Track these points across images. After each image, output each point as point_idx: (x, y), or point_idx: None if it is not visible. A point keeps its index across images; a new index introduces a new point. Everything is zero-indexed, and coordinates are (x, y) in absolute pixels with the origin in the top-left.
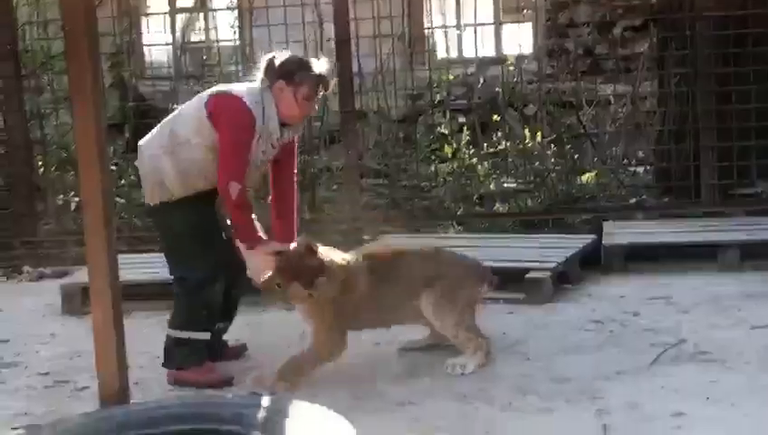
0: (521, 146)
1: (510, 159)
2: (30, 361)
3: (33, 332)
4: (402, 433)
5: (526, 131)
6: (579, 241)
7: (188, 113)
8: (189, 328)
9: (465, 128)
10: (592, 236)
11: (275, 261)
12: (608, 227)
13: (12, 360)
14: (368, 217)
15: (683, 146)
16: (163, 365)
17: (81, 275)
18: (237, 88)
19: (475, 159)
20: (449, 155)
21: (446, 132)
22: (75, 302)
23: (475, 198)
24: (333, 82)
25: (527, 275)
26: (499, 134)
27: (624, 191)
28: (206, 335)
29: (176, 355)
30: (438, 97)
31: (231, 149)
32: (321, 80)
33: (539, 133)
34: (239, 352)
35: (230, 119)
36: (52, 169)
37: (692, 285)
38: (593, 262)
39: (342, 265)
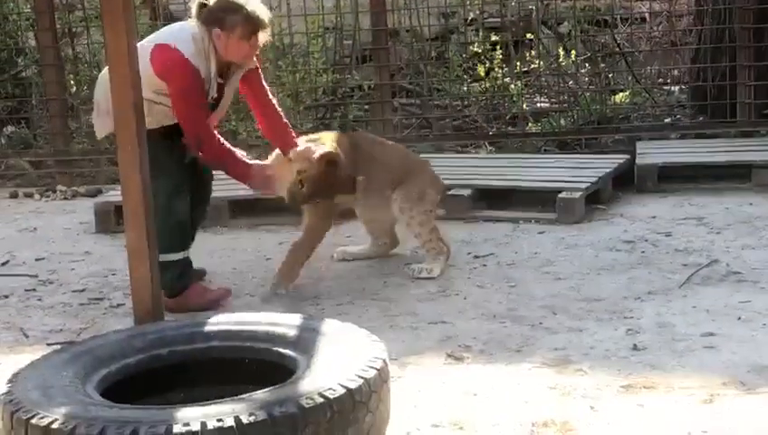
0: (554, 65)
1: (543, 79)
2: (65, 278)
3: (68, 250)
4: (434, 350)
5: (560, 50)
6: (612, 161)
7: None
8: (169, 250)
9: (498, 46)
10: (625, 156)
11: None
12: (641, 146)
13: (47, 277)
14: (400, 136)
15: (719, 65)
16: None
17: (114, 194)
18: (178, 37)
19: (508, 78)
20: (482, 74)
21: (479, 51)
22: (109, 220)
23: (507, 117)
24: (268, 19)
25: (559, 195)
26: (533, 53)
27: (658, 111)
28: (183, 255)
29: (166, 283)
30: (471, 15)
31: (184, 103)
32: (252, 19)
33: (573, 52)
34: (200, 276)
35: (176, 75)
36: (85, 87)
37: (725, 206)
38: (626, 182)
39: (330, 159)
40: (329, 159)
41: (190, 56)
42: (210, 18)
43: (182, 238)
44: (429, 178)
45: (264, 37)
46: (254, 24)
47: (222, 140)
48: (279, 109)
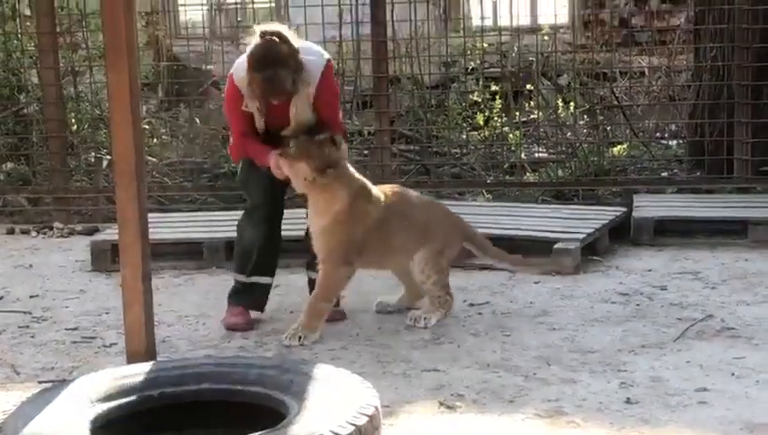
0: (553, 116)
1: (542, 129)
2: (59, 316)
3: (63, 287)
4: (426, 398)
5: (559, 101)
6: (608, 213)
7: None
8: (235, 270)
9: (497, 96)
10: (622, 209)
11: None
12: (638, 199)
13: (41, 315)
14: (398, 182)
15: (716, 120)
16: None
17: (111, 233)
18: (241, 59)
19: (506, 128)
20: (481, 123)
21: (479, 100)
22: (105, 259)
23: (505, 166)
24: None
25: (555, 246)
26: (532, 103)
27: (655, 164)
28: (243, 278)
29: (229, 296)
30: (472, 64)
31: (229, 117)
32: (252, 79)
33: (571, 103)
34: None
35: (225, 94)
36: (85, 126)
37: (721, 261)
38: (622, 234)
39: (363, 186)
40: (333, 137)
41: (237, 78)
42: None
43: (243, 263)
44: (449, 234)
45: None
46: (256, 84)
47: (259, 140)
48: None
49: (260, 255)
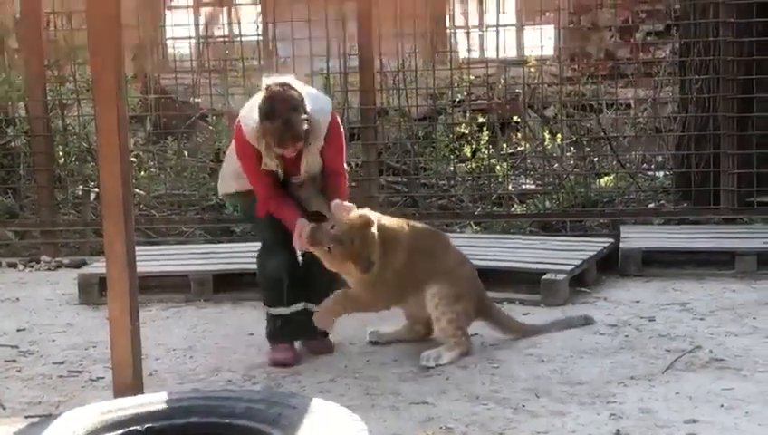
0: (540, 147)
1: (529, 161)
2: (45, 350)
3: (50, 321)
4: (415, 432)
5: (546, 133)
6: (596, 244)
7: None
8: (269, 304)
9: (484, 128)
10: (610, 240)
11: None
12: (625, 230)
13: (27, 348)
14: (386, 213)
15: (703, 152)
16: None
17: (98, 266)
18: (247, 111)
19: (494, 160)
20: (468, 154)
21: (466, 132)
22: (92, 292)
23: (493, 198)
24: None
25: (543, 277)
26: (519, 135)
27: (642, 195)
28: (272, 311)
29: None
30: (459, 97)
31: (248, 176)
32: (266, 130)
33: (558, 135)
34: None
35: (237, 150)
36: (73, 159)
37: (708, 292)
38: (610, 266)
39: (387, 237)
40: (365, 221)
41: (248, 133)
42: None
43: (275, 296)
44: (469, 285)
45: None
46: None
47: (285, 200)
48: (344, 181)
49: (291, 282)
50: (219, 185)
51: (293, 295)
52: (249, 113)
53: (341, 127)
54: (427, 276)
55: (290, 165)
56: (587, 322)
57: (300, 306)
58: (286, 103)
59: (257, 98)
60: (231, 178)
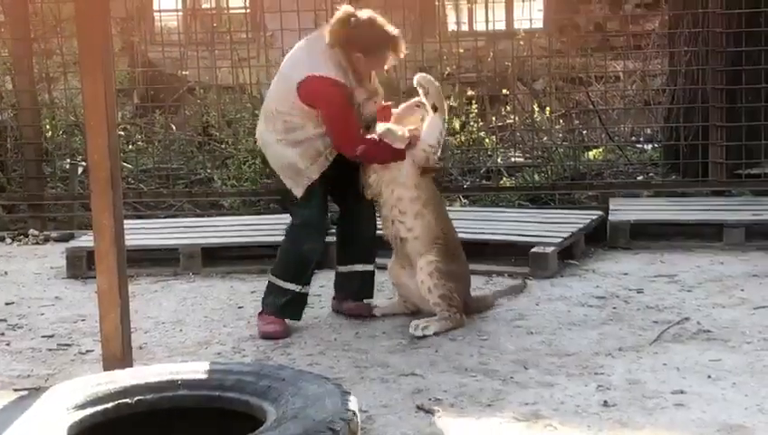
0: (529, 120)
1: (518, 134)
2: (34, 323)
3: (38, 295)
4: (404, 403)
5: (535, 106)
6: (585, 217)
7: (288, 100)
8: (287, 278)
9: (473, 101)
10: (598, 213)
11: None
12: (614, 203)
13: (16, 322)
14: None
15: (691, 124)
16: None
17: (86, 239)
18: (320, 62)
19: (483, 133)
20: (457, 128)
21: (455, 105)
22: (80, 265)
23: (482, 171)
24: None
25: (532, 250)
26: (508, 108)
27: (631, 168)
28: (293, 286)
29: (267, 303)
30: (448, 70)
31: (343, 123)
32: (396, 52)
33: (547, 108)
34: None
35: (331, 99)
36: (60, 132)
37: (696, 264)
38: (599, 238)
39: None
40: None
41: (341, 78)
42: (360, 44)
43: (298, 272)
44: (464, 279)
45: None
46: (395, 48)
47: (371, 136)
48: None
49: (314, 266)
50: (292, 182)
51: (310, 277)
52: (316, 66)
53: None
54: (435, 236)
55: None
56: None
57: (307, 289)
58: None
59: (321, 54)
60: (323, 154)
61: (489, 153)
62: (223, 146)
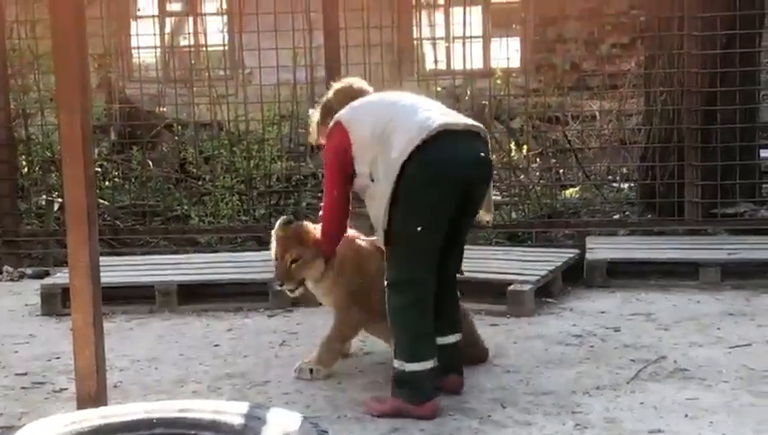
0: (506, 159)
1: (495, 172)
2: (8, 361)
3: (12, 332)
4: None
5: (512, 145)
6: (561, 255)
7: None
8: (406, 358)
9: None
10: (575, 251)
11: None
12: (590, 241)
13: None
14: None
15: (667, 163)
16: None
17: (61, 276)
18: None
19: None
20: None
21: None
22: (55, 303)
23: None
24: None
25: (509, 288)
26: None
27: (608, 207)
28: (415, 366)
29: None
30: None
31: (340, 176)
32: None
33: (524, 147)
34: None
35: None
36: (36, 168)
37: (673, 303)
38: (575, 276)
39: (355, 250)
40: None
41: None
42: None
43: (416, 348)
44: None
45: None
46: None
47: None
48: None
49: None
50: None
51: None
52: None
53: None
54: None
55: None
56: None
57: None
58: None
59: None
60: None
61: None
62: (200, 183)
